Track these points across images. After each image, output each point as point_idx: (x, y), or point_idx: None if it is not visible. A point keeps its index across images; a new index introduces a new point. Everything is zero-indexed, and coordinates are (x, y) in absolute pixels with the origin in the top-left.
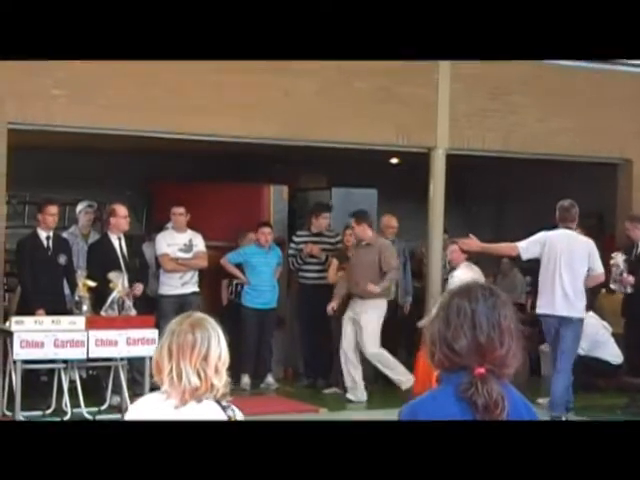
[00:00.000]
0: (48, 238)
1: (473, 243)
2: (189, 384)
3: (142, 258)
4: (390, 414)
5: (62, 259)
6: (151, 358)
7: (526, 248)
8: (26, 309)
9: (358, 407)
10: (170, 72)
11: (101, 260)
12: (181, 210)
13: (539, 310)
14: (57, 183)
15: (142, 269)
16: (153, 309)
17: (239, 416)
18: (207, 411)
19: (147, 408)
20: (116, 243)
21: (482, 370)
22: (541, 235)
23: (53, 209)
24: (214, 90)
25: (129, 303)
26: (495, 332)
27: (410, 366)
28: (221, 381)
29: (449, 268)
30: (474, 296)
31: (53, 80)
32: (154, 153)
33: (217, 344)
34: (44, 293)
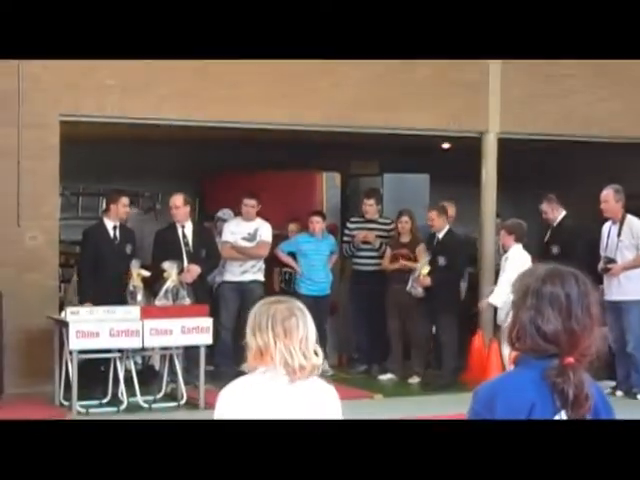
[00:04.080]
0: (115, 228)
1: (617, 268)
2: (297, 364)
3: (211, 248)
4: (444, 400)
5: (129, 249)
6: (206, 347)
7: None
8: (84, 298)
9: (413, 393)
10: (221, 62)
11: (164, 249)
12: (253, 202)
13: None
14: (110, 174)
15: (210, 259)
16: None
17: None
18: (317, 386)
19: (256, 386)
20: (180, 232)
21: (572, 360)
22: None
23: (126, 200)
24: (265, 79)
25: (183, 292)
26: (588, 320)
27: (464, 350)
28: (319, 360)
29: (502, 252)
30: (567, 283)
31: (106, 72)
32: (206, 143)
33: (312, 327)
34: (110, 282)
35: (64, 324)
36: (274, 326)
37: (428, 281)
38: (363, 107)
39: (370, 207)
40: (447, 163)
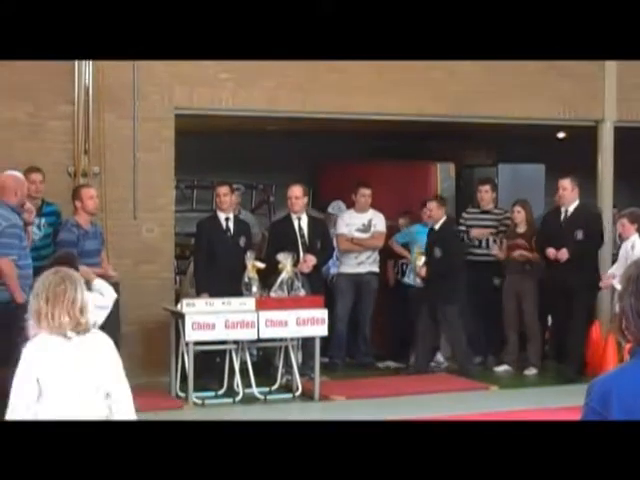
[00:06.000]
0: (227, 219)
1: None
2: (62, 322)
3: (326, 239)
4: (561, 391)
5: (242, 241)
6: (321, 338)
7: None
8: (199, 290)
9: (529, 384)
10: None
11: (279, 240)
12: (368, 192)
13: None
14: (224, 166)
15: (325, 250)
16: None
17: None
18: (94, 337)
19: (45, 346)
20: (296, 223)
21: None
22: None
23: (223, 189)
24: (379, 69)
25: (298, 284)
26: None
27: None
28: (85, 317)
29: (620, 242)
30: None
31: (220, 65)
32: (319, 133)
33: (80, 291)
34: (224, 274)
35: (180, 316)
36: (46, 292)
37: (424, 271)
38: (477, 97)
39: (485, 193)
40: (563, 153)
